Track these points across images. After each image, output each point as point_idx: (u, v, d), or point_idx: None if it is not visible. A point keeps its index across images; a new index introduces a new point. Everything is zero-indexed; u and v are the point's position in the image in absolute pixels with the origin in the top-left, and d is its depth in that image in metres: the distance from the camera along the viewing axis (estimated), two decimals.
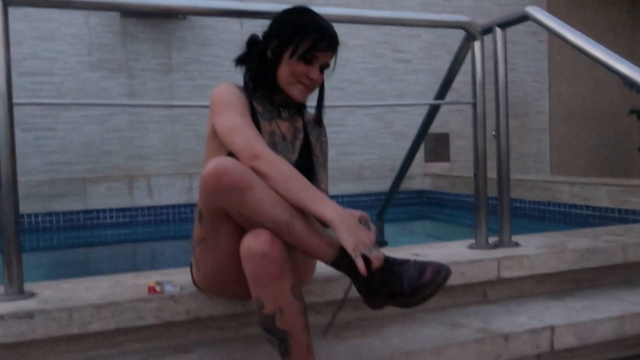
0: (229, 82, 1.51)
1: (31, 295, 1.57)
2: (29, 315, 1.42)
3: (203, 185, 1.26)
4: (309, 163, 1.59)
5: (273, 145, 1.53)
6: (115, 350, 1.54)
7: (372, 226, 1.30)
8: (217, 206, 1.27)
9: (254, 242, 1.22)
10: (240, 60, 1.56)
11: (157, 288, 1.55)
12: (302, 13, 1.49)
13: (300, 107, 1.61)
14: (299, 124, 1.61)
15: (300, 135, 1.60)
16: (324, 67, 1.49)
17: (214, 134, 1.49)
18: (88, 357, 1.52)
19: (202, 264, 1.43)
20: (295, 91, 1.48)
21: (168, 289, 1.55)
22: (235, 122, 1.36)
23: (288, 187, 1.27)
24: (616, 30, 7.69)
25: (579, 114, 7.72)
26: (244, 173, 1.24)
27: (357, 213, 1.29)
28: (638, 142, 7.15)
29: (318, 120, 1.63)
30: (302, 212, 1.28)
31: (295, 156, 1.56)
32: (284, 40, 1.46)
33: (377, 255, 1.24)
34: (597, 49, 1.74)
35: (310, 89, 1.51)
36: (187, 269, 1.84)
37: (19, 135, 5.05)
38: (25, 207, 4.81)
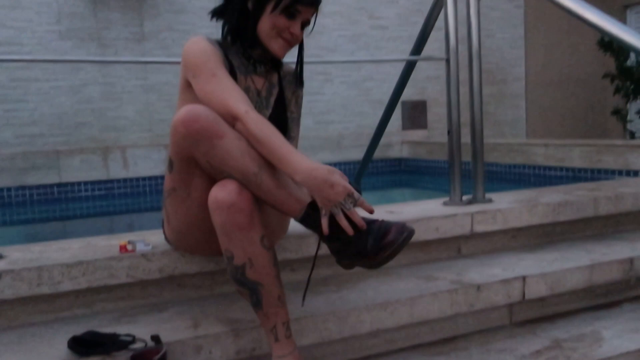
0: (200, 35, 1.47)
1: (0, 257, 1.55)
2: None
3: (173, 132, 1.24)
4: (282, 118, 1.56)
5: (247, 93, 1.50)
6: (88, 310, 1.53)
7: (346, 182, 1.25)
8: (187, 154, 1.25)
9: (221, 193, 1.20)
10: (217, 12, 1.50)
11: (129, 247, 1.53)
12: None
13: (277, 63, 1.58)
14: (274, 78, 1.58)
15: (275, 91, 1.57)
16: (305, 23, 1.46)
17: (186, 88, 1.46)
18: (60, 317, 1.50)
19: (172, 215, 1.42)
20: (275, 45, 1.45)
21: (140, 247, 1.53)
22: (210, 85, 1.33)
23: (258, 145, 1.25)
24: None
25: (555, 80, 7.77)
26: (214, 121, 1.22)
27: (328, 168, 1.24)
28: (612, 105, 7.23)
29: (299, 79, 1.60)
30: (272, 165, 1.26)
31: (269, 112, 1.54)
32: None
33: (355, 211, 1.23)
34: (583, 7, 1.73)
35: (290, 45, 1.48)
36: (161, 231, 1.83)
37: None
38: None
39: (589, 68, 7.84)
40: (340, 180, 1.23)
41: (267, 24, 1.42)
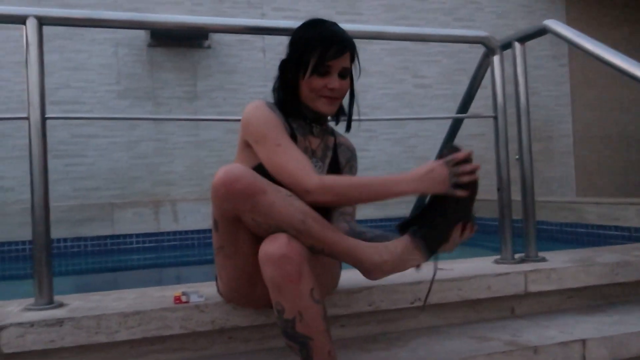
0: (259, 99, 1.51)
1: (61, 305, 1.60)
2: (59, 322, 1.44)
3: (214, 194, 1.28)
4: None
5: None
6: None
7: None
8: (230, 214, 1.29)
9: (272, 246, 1.23)
10: (274, 88, 1.56)
11: (183, 298, 1.56)
12: (310, 26, 1.49)
13: (334, 122, 1.62)
14: (330, 142, 1.62)
15: (330, 154, 1.61)
16: (344, 72, 1.48)
17: (244, 148, 1.49)
18: None
19: (222, 271, 1.45)
20: (320, 106, 1.49)
21: (194, 299, 1.56)
22: (277, 156, 1.36)
23: (353, 199, 1.36)
24: (636, 45, 7.63)
25: (604, 137, 7.62)
26: (254, 178, 1.25)
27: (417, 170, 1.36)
28: None
29: (348, 126, 1.62)
30: (314, 210, 1.29)
31: (323, 173, 1.57)
32: (295, 59, 1.47)
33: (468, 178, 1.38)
34: (616, 56, 1.74)
35: (335, 99, 1.50)
36: (213, 283, 1.86)
37: (50, 161, 5.18)
38: (54, 232, 4.90)
39: (639, 125, 7.67)
40: (431, 164, 1.35)
41: (305, 89, 1.47)
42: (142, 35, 5.73)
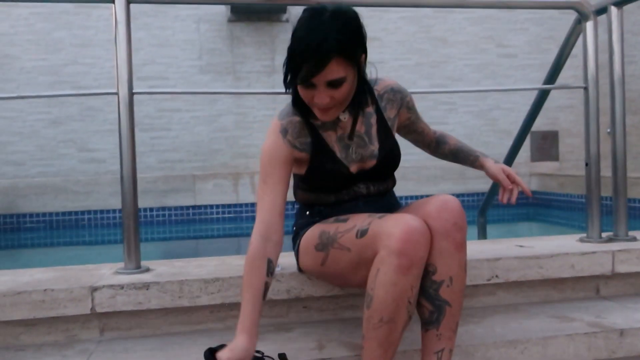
0: (279, 121, 1.45)
1: (147, 270, 1.70)
2: (145, 286, 1.53)
3: (411, 238, 1.20)
4: (390, 146, 1.50)
5: (347, 149, 1.46)
6: (221, 325, 1.62)
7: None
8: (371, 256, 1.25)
9: (415, 222, 1.23)
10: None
11: None
12: (298, 25, 1.32)
13: (359, 101, 1.43)
14: (369, 108, 1.49)
15: (374, 119, 1.50)
16: (334, 83, 1.29)
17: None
18: (197, 329, 1.61)
19: (310, 260, 1.48)
20: (317, 113, 1.37)
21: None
22: (260, 191, 1.42)
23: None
24: None
25: None
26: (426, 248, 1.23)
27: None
28: None
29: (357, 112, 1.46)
30: None
31: (375, 146, 1.48)
32: (284, 66, 1.35)
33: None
34: None
35: (328, 108, 1.35)
36: (290, 253, 1.90)
37: (137, 135, 5.46)
38: (141, 202, 5.20)
39: None
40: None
41: (301, 96, 1.37)
42: (223, 10, 5.85)
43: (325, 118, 1.36)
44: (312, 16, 1.29)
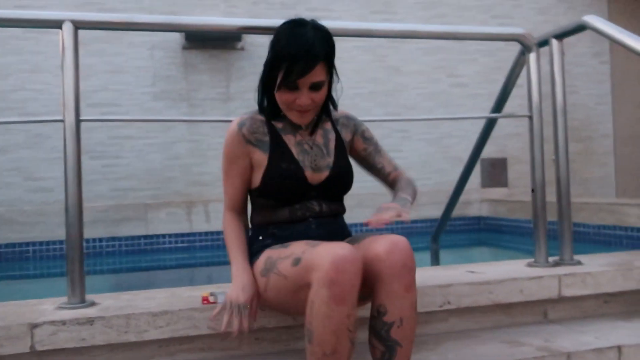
0: (242, 116, 1.58)
1: (92, 304, 1.63)
2: (89, 321, 1.47)
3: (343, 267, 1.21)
4: (345, 164, 1.59)
5: (304, 154, 1.54)
6: None
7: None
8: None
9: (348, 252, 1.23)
10: (257, 88, 1.58)
11: (211, 298, 1.57)
12: (283, 34, 1.43)
13: (321, 114, 1.59)
14: (328, 125, 1.61)
15: (332, 136, 1.60)
16: (316, 86, 1.43)
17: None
18: None
19: (269, 291, 1.45)
20: (293, 117, 1.49)
21: (221, 299, 1.57)
22: (223, 181, 1.60)
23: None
24: None
25: None
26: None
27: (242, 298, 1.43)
28: None
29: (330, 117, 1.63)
30: None
31: (331, 159, 1.56)
32: (266, 71, 1.47)
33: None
34: None
35: (307, 112, 1.48)
36: None
37: (88, 162, 5.32)
38: (92, 232, 5.03)
39: None
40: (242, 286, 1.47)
41: (279, 100, 1.48)
42: (177, 37, 5.82)
43: (302, 121, 1.48)
44: (295, 26, 1.44)
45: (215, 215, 5.44)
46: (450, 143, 6.59)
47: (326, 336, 1.19)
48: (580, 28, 2.06)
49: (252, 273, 1.49)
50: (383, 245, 1.28)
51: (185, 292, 1.78)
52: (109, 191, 5.55)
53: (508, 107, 2.71)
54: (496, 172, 6.66)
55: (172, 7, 5.80)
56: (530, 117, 2.16)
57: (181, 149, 5.80)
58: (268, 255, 1.45)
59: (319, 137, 1.57)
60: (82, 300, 1.63)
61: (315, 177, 1.53)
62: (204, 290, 1.74)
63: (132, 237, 5.19)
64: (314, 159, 1.53)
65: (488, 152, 6.36)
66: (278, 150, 1.52)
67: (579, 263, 2.06)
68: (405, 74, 6.41)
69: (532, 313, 1.89)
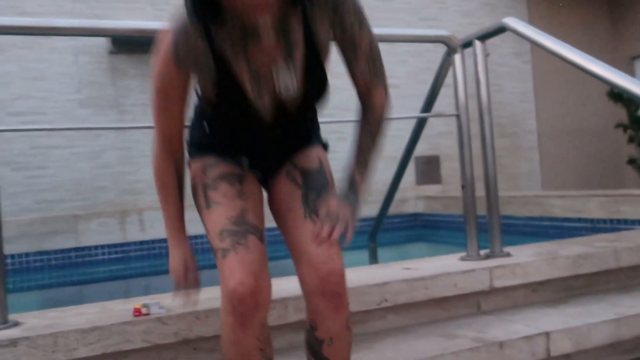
0: (170, 29, 1.16)
1: (16, 324, 1.54)
2: (12, 342, 1.39)
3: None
4: (320, 85, 1.25)
5: (257, 84, 1.17)
6: None
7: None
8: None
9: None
10: None
11: (144, 310, 1.52)
12: None
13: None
14: (294, 24, 1.15)
15: (300, 45, 1.16)
16: None
17: None
18: None
19: None
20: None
21: (154, 310, 1.52)
22: (152, 110, 1.28)
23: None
24: (598, 43, 7.82)
25: (567, 132, 7.78)
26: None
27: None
28: (627, 155, 7.19)
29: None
30: None
31: (299, 74, 1.19)
32: None
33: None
34: (575, 53, 1.77)
35: None
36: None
37: (9, 174, 5.05)
38: (16, 247, 4.76)
39: (601, 118, 7.86)
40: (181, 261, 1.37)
41: None
42: (103, 42, 5.62)
43: (258, 11, 1.02)
44: None
45: (149, 223, 5.29)
46: (385, 142, 6.72)
47: None
48: (501, 30, 2.15)
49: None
50: (313, 271, 1.16)
51: (118, 305, 1.71)
52: (33, 203, 5.28)
53: (438, 107, 2.78)
54: (430, 170, 6.85)
55: (97, 11, 5.60)
56: (458, 116, 2.22)
57: (111, 157, 5.60)
58: (200, 182, 1.27)
59: (276, 54, 1.16)
60: (4, 321, 1.54)
61: (277, 114, 1.22)
62: (137, 302, 1.68)
63: (62, 251, 4.95)
64: (272, 90, 1.19)
65: (421, 150, 6.53)
66: (224, 83, 1.16)
67: (508, 255, 2.14)
68: (337, 75, 6.44)
69: (466, 305, 1.95)
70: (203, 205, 1.25)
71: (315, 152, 1.37)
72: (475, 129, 2.24)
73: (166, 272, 1.46)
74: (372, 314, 1.81)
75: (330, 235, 1.17)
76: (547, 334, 1.67)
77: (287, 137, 1.32)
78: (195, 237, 1.57)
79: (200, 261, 1.42)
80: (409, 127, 3.16)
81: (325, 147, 1.44)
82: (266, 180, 1.37)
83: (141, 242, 5.17)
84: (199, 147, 1.33)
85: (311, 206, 1.23)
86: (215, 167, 1.27)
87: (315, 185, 1.28)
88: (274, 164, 1.35)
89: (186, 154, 1.36)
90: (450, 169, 6.93)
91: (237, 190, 1.24)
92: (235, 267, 1.12)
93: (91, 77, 5.60)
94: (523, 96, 7.62)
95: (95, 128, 2.58)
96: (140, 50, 5.71)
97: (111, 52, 5.64)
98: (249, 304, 1.11)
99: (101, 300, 1.83)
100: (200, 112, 1.34)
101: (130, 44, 5.60)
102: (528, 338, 1.65)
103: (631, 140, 6.33)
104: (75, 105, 5.54)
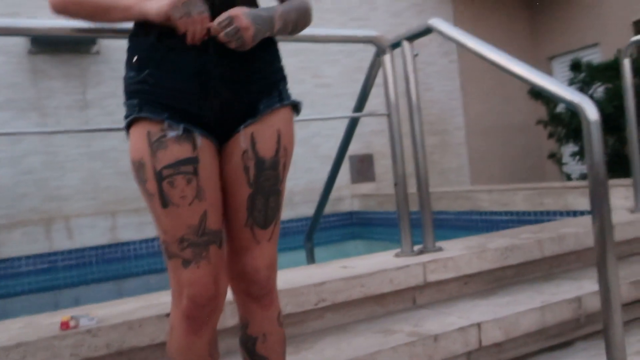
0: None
1: None
2: None
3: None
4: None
5: None
6: None
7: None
8: None
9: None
10: None
11: (72, 323, 1.46)
12: None
13: None
14: None
15: None
16: None
17: None
18: None
19: None
20: None
21: (84, 322, 1.46)
22: None
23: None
24: (518, 43, 8.19)
25: (492, 128, 8.11)
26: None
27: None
28: (548, 149, 7.58)
29: None
30: None
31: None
32: None
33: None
34: (496, 53, 1.84)
35: None
36: (109, 302, 1.76)
37: None
38: None
39: (523, 115, 8.24)
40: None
41: None
42: (22, 42, 5.34)
43: None
44: None
45: (78, 230, 5.08)
46: (319, 142, 6.75)
47: None
48: (427, 31, 2.20)
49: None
50: (242, 279, 1.19)
51: (45, 319, 1.63)
52: None
53: (371, 106, 2.82)
54: (364, 168, 6.95)
55: (15, 8, 5.30)
56: (389, 115, 2.27)
57: (34, 163, 5.33)
58: (141, 158, 1.14)
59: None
60: None
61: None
62: (65, 315, 1.61)
63: None
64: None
65: (355, 149, 6.62)
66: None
67: (440, 249, 2.21)
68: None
69: (402, 301, 1.99)
70: (156, 198, 1.12)
71: (277, 123, 1.22)
72: (406, 127, 2.29)
73: (98, 280, 1.40)
74: (310, 313, 1.82)
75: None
76: (478, 325, 1.73)
77: (238, 66, 1.17)
78: None
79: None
80: (342, 126, 3.20)
81: (295, 107, 1.30)
82: (221, 143, 1.20)
83: (69, 251, 4.96)
84: (136, 97, 1.17)
85: (255, 216, 1.19)
86: (166, 148, 1.11)
87: (264, 186, 1.19)
88: (228, 118, 1.17)
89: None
90: (383, 166, 7.06)
91: (195, 189, 1.12)
92: (195, 279, 1.12)
93: (9, 78, 5.31)
94: (451, 94, 7.88)
95: (18, 133, 2.43)
96: (63, 50, 5.46)
97: (30, 52, 5.36)
98: (206, 311, 1.12)
99: (26, 315, 1.74)
100: (135, 44, 1.19)
101: (51, 44, 5.35)
102: (461, 329, 1.71)
103: (551, 135, 6.67)
104: None
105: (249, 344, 1.23)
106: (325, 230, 6.00)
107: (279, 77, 1.28)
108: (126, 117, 1.20)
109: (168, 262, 1.15)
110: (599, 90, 5.57)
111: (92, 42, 5.49)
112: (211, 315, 1.14)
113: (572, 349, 1.89)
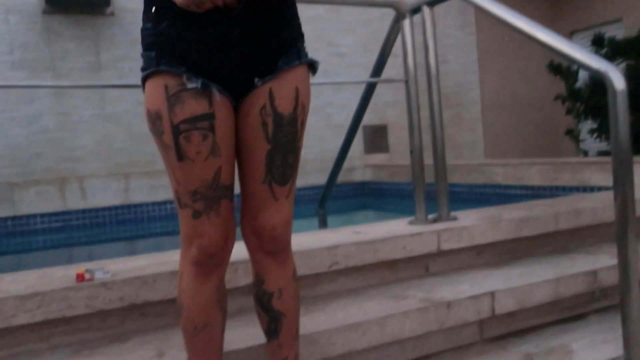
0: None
1: None
2: None
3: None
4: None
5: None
6: (44, 345, 1.45)
7: None
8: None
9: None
10: None
11: (87, 275, 1.47)
12: None
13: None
14: None
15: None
16: None
17: None
18: (14, 353, 1.42)
19: None
20: None
21: (99, 275, 1.47)
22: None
23: None
24: (538, 17, 8.02)
25: (509, 103, 8.00)
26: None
27: None
28: (565, 125, 7.47)
29: None
30: None
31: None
32: None
33: None
34: (521, 20, 1.78)
35: None
36: (122, 259, 1.77)
37: None
38: None
39: (541, 91, 8.11)
40: None
41: None
42: (35, 1, 5.29)
43: None
44: None
45: (92, 192, 5.11)
46: (332, 112, 6.70)
47: (196, 311, 1.15)
48: None
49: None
50: (257, 235, 1.19)
51: (59, 271, 1.64)
52: None
53: (385, 76, 2.77)
54: (377, 139, 6.90)
55: None
56: (407, 82, 2.23)
57: (49, 123, 5.34)
58: (158, 109, 1.12)
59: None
60: None
61: None
62: (80, 269, 1.62)
63: None
64: None
65: (369, 119, 6.56)
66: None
67: (455, 219, 2.19)
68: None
69: (415, 268, 1.99)
70: (172, 150, 1.11)
71: (295, 80, 1.21)
72: (423, 99, 2.25)
73: (109, 240, 1.40)
74: (323, 276, 1.82)
75: None
76: (492, 294, 1.73)
77: (258, 22, 1.14)
78: None
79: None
80: (355, 96, 3.16)
81: (311, 65, 1.28)
82: (237, 100, 1.18)
83: (83, 211, 5.00)
84: (154, 49, 1.14)
85: (273, 172, 1.17)
86: (183, 103, 1.09)
87: (283, 142, 1.17)
88: (246, 74, 1.15)
89: None
90: (397, 138, 7.01)
91: (211, 145, 1.11)
92: (205, 229, 1.13)
93: (24, 37, 5.28)
94: (467, 68, 7.75)
95: (30, 86, 2.43)
96: (77, 10, 5.42)
97: (45, 12, 5.32)
98: (215, 261, 1.15)
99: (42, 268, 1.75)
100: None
101: (65, 4, 5.30)
102: (474, 297, 1.70)
103: (569, 112, 6.57)
104: (7, 67, 5.22)
105: (264, 300, 1.23)
106: (337, 199, 5.99)
107: (297, 35, 1.25)
108: (143, 69, 1.17)
109: (179, 210, 1.15)
110: (621, 66, 5.45)
111: (107, 3, 5.44)
112: (219, 264, 1.16)
113: (585, 322, 1.88)
